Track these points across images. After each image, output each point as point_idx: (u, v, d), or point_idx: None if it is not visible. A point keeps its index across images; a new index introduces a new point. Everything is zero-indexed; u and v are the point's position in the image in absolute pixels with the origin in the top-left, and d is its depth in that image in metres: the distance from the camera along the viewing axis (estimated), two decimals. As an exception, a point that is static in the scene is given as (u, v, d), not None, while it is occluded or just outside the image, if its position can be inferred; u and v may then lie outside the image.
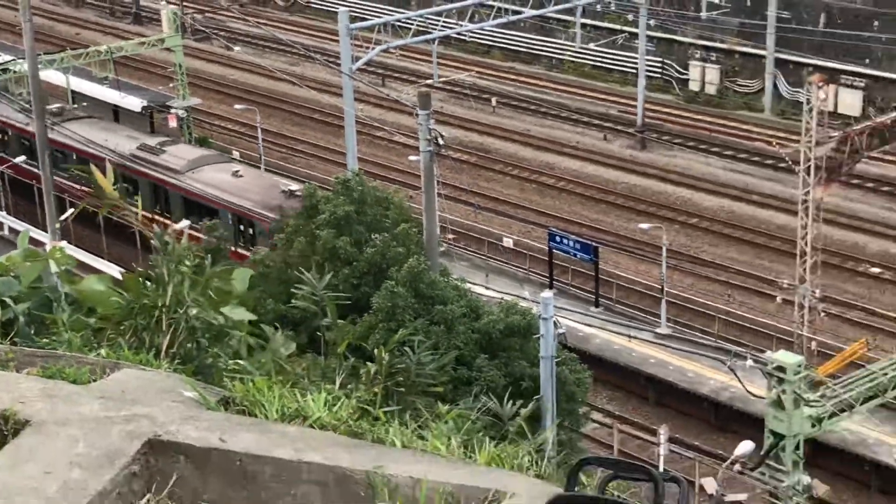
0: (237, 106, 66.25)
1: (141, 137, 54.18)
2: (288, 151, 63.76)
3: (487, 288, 38.02)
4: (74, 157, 52.18)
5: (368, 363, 6.78)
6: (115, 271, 33.23)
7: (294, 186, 48.60)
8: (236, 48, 76.73)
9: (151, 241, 7.88)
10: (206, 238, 37.63)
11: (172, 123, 59.22)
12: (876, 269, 49.09)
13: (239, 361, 6.59)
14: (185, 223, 42.56)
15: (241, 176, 50.70)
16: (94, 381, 5.64)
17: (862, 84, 60.98)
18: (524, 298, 33.94)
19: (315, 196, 33.46)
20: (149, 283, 7.35)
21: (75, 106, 58.71)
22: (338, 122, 56.81)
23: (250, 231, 49.40)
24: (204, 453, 4.84)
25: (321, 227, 31.21)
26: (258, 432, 5.05)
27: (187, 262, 7.48)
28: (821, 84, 39.29)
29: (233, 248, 45.82)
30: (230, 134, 66.14)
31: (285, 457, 4.79)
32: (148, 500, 4.81)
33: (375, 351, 6.75)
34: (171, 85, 62.20)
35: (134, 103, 58.85)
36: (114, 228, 51.79)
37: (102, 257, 48.30)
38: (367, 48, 47.66)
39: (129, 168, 49.01)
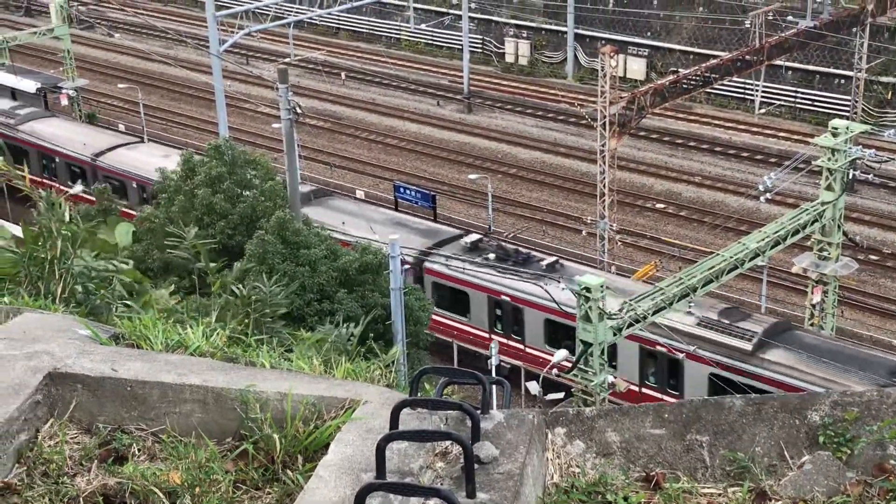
0: (120, 85, 64.29)
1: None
2: (167, 124, 62.24)
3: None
4: None
5: (229, 297, 6.72)
6: (16, 230, 31.99)
7: None
8: (117, 35, 74.38)
9: (39, 202, 7.60)
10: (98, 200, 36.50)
11: (64, 102, 57.45)
12: (661, 205, 50.42)
13: (126, 302, 6.48)
14: (78, 188, 41.18)
15: None
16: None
17: (645, 53, 62.24)
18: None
19: (192, 161, 32.78)
20: (38, 238, 7.11)
21: None
22: (209, 97, 55.61)
23: None
24: (98, 381, 4.75)
25: (198, 187, 30.63)
26: (145, 361, 4.97)
27: (68, 219, 7.26)
28: (612, 54, 39.89)
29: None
30: (115, 110, 64.21)
31: (169, 381, 4.72)
32: (51, 424, 4.70)
33: (234, 286, 6.69)
34: (60, 69, 60.15)
35: (29, 85, 57.02)
36: (13, 192, 50.03)
37: (7, 219, 46.50)
38: (232, 32, 46.63)
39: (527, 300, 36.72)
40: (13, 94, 57.12)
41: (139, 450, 4.63)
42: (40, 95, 57.11)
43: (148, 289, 7.36)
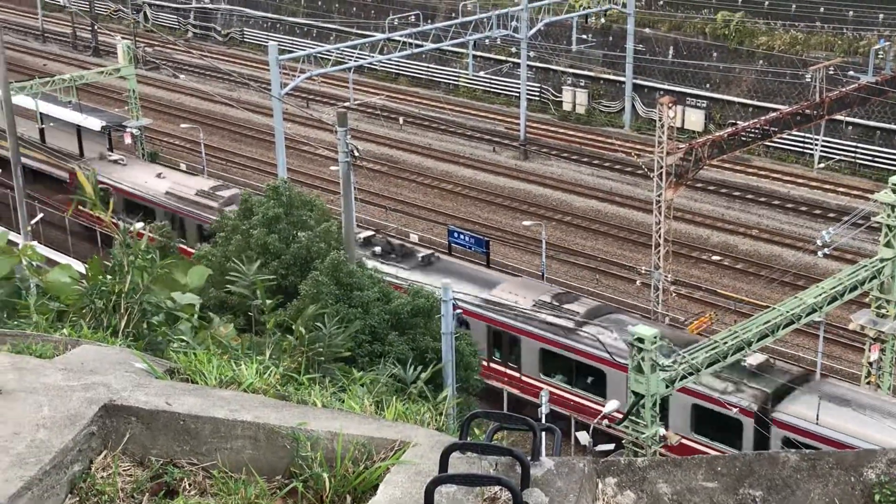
0: (183, 125, 65.36)
1: None
2: (227, 164, 63.09)
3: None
4: None
5: (290, 337, 6.79)
6: (79, 266, 32.51)
7: None
8: (181, 76, 75.76)
9: (115, 238, 7.72)
10: (156, 237, 37.01)
11: (128, 140, 58.46)
12: (717, 257, 50.01)
13: (183, 338, 6.56)
14: (140, 224, 41.74)
15: None
16: (57, 355, 5.55)
17: (704, 104, 62.06)
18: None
19: (250, 201, 33.17)
20: (108, 273, 7.22)
21: None
22: (269, 138, 56.36)
23: None
24: (152, 415, 4.79)
25: (255, 227, 30.95)
26: (199, 396, 5.01)
27: (144, 255, 7.37)
28: (670, 105, 39.82)
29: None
30: (177, 149, 65.26)
31: (222, 416, 4.76)
32: (105, 456, 4.75)
33: (294, 326, 6.76)
34: (125, 108, 61.31)
35: (94, 123, 58.08)
36: (78, 230, 50.91)
37: (68, 254, 47.30)
38: (294, 76, 47.33)
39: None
40: (79, 131, 58.32)
41: (190, 484, 4.66)
42: (105, 133, 58.21)
43: (216, 323, 7.44)
